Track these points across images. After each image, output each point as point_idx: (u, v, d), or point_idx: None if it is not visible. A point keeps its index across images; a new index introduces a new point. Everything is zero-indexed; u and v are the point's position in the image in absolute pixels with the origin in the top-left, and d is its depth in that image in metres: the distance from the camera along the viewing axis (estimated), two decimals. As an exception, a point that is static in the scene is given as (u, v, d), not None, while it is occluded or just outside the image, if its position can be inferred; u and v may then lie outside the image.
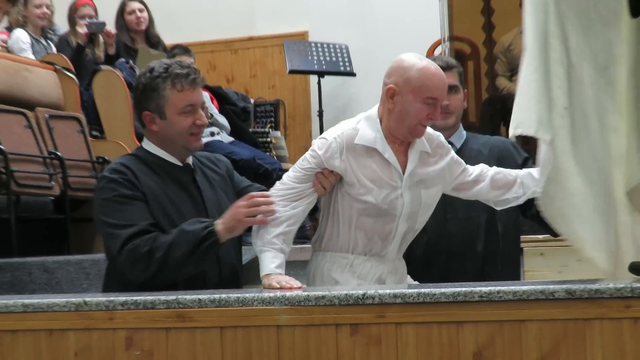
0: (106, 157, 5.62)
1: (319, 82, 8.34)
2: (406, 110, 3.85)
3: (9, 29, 6.62)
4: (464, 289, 3.08)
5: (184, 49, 7.00)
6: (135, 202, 3.70)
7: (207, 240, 3.54)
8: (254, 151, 7.27)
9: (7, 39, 6.35)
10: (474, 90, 9.04)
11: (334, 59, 8.26)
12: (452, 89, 4.49)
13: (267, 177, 6.80)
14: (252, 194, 3.80)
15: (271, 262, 3.70)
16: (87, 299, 3.36)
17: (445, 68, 4.33)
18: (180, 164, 3.95)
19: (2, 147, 4.61)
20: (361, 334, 3.01)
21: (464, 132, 4.91)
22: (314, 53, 7.90)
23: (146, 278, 3.63)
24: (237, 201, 3.70)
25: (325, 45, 8.18)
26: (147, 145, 3.94)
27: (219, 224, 3.61)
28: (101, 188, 3.76)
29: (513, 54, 8.48)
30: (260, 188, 4.25)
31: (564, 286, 2.88)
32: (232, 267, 4.04)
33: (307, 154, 3.95)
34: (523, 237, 4.84)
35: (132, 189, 3.70)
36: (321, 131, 8.03)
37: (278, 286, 3.57)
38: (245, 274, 4.47)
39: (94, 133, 5.91)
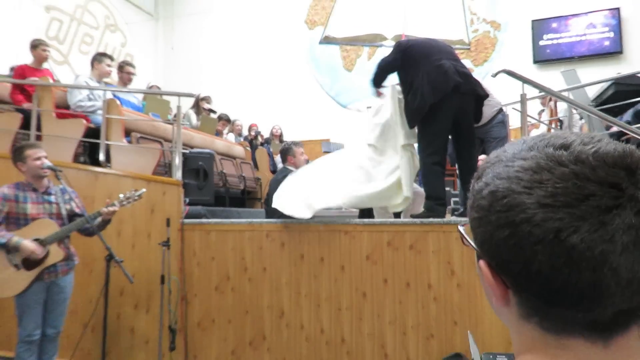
0: (259, 177, 5.58)
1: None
2: None
3: (226, 134, 6.61)
4: (384, 219, 3.11)
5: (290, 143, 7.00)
6: None
7: None
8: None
9: (225, 137, 6.31)
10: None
11: (340, 148, 7.97)
12: None
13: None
14: None
15: None
16: (252, 220, 3.37)
17: None
18: None
19: (225, 171, 4.64)
20: (348, 234, 3.00)
21: None
22: (331, 146, 7.68)
23: None
24: None
25: (335, 144, 7.87)
26: (288, 167, 3.71)
27: None
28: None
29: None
30: None
31: (418, 220, 2.90)
32: None
33: None
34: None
35: None
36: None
37: None
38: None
39: (254, 168, 5.84)
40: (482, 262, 0.43)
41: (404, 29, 8.45)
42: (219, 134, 5.82)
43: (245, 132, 7.23)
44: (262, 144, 7.00)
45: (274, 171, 5.98)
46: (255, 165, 6.02)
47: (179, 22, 9.90)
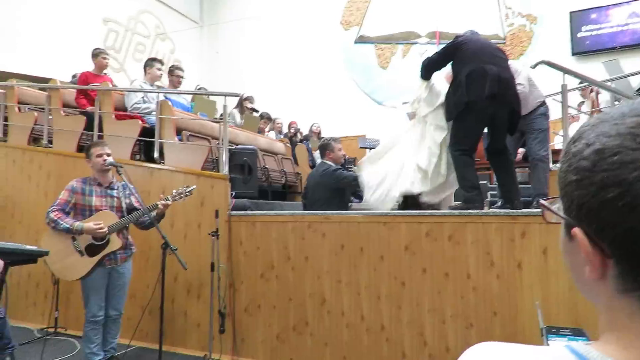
0: (299, 172, 5.52)
1: (369, 150, 7.97)
2: None
3: (268, 132, 6.63)
4: (421, 211, 3.03)
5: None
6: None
7: None
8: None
9: (267, 134, 6.35)
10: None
11: (376, 144, 7.88)
12: None
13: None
14: None
15: None
16: (294, 212, 3.37)
17: None
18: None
19: (267, 167, 4.61)
20: (387, 225, 2.96)
21: None
22: (367, 142, 7.59)
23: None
24: None
25: (371, 140, 7.81)
26: (327, 162, 3.72)
27: None
28: (332, 172, 3.60)
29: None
30: None
31: (457, 212, 2.81)
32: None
33: None
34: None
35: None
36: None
37: None
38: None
39: (294, 164, 5.81)
40: (577, 230, 0.38)
41: (437, 26, 8.23)
42: (261, 131, 5.87)
43: (285, 130, 7.25)
44: (301, 141, 7.01)
45: (312, 166, 5.97)
46: (295, 161, 6.04)
47: (222, 29, 10.09)
